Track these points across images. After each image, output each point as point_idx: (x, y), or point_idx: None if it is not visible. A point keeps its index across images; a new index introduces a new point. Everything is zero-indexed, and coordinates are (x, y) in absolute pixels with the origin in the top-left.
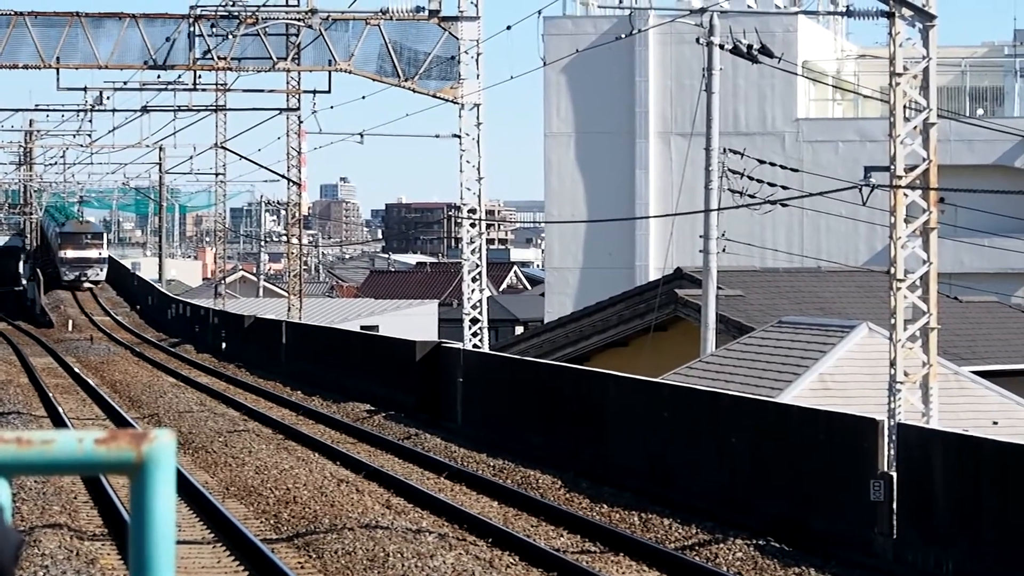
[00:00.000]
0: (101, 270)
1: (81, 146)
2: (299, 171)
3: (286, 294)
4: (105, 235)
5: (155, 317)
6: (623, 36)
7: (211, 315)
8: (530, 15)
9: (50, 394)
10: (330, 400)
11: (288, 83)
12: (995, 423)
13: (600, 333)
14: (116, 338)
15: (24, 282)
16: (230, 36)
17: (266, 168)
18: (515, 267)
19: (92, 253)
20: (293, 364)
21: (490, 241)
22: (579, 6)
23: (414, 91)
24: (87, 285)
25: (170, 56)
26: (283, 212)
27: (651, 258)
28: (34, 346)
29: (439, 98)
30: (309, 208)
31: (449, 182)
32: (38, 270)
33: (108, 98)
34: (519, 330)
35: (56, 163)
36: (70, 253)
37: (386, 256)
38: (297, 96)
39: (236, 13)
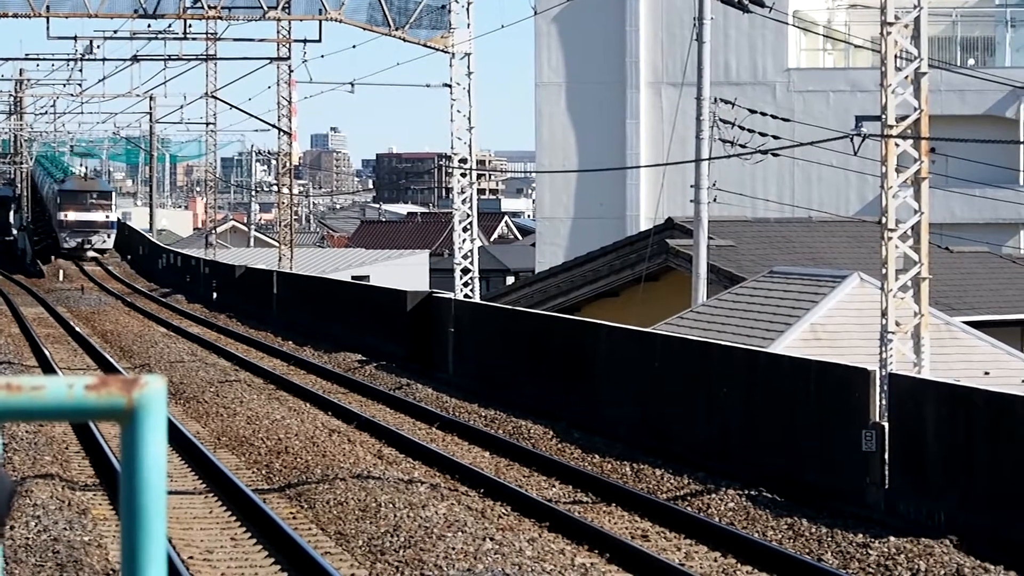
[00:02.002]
0: (108, 236)
1: (71, 95)
2: (290, 121)
3: (277, 244)
4: (114, 194)
5: (146, 267)
6: None
7: (202, 265)
8: None
9: (41, 344)
10: (321, 350)
11: (279, 32)
12: (986, 373)
13: (591, 283)
14: (107, 288)
15: (15, 232)
16: None
17: (257, 118)
18: (506, 217)
19: (98, 216)
20: (284, 314)
21: (481, 191)
22: None
23: (405, 40)
24: (91, 254)
25: (160, 5)
26: (274, 162)
27: (642, 208)
28: (25, 296)
29: (430, 47)
30: (300, 158)
31: (440, 132)
32: (27, 225)
33: (98, 47)
34: (510, 280)
35: (46, 112)
36: (72, 215)
37: (377, 206)
38: (288, 45)
39: None
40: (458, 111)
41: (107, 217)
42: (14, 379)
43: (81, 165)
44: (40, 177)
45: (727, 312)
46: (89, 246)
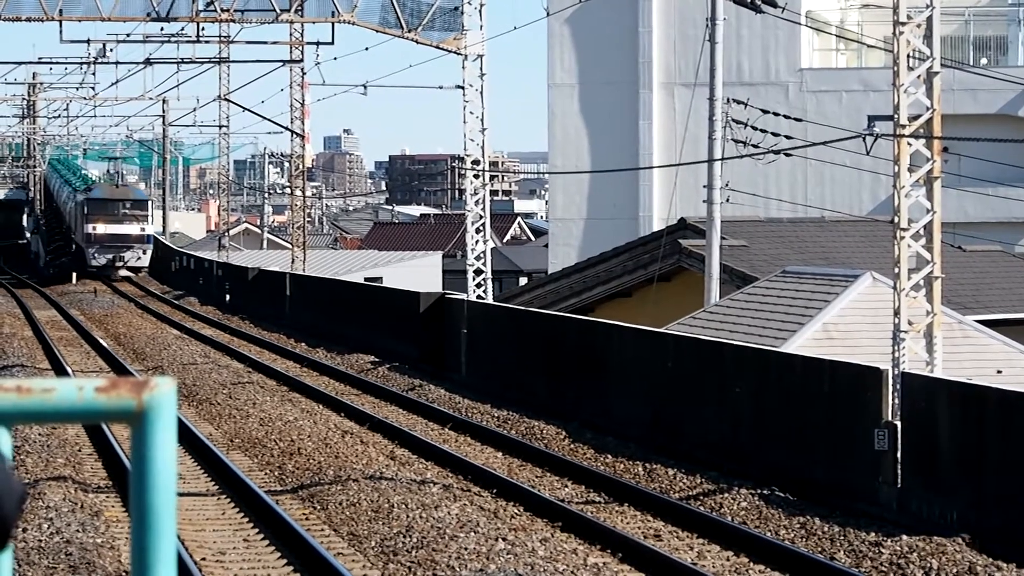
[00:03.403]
0: (144, 252)
1: (84, 99)
2: (302, 123)
3: (290, 246)
4: (150, 203)
5: (159, 269)
6: None
7: (215, 267)
8: None
9: (54, 347)
10: (334, 352)
11: (291, 35)
12: (999, 372)
13: (604, 284)
14: (120, 291)
15: (28, 235)
16: None
17: (269, 120)
18: (519, 218)
19: (132, 228)
20: (297, 316)
21: (494, 192)
22: None
23: (417, 42)
24: (124, 273)
25: (173, 8)
26: (287, 164)
27: (655, 208)
28: (37, 299)
29: (442, 49)
30: (313, 160)
31: (453, 133)
32: (40, 228)
33: (111, 51)
34: (523, 281)
35: (59, 116)
36: (101, 228)
37: (390, 208)
38: (300, 48)
39: None
40: (471, 113)
41: (142, 230)
42: (25, 381)
43: (109, 171)
44: (56, 184)
45: (740, 312)
46: (121, 263)
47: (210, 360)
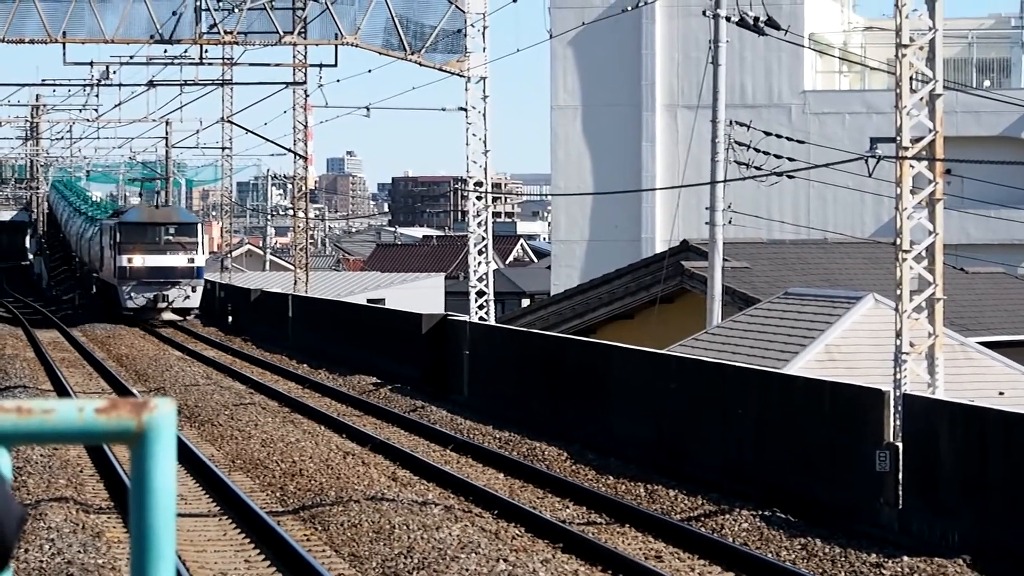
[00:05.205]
0: (193, 289)
1: (87, 121)
2: (305, 145)
3: (292, 268)
4: (200, 227)
5: None
6: (629, 8)
7: (217, 289)
8: None
9: (56, 368)
10: (336, 373)
11: (294, 57)
12: (1001, 393)
13: (606, 305)
14: None
15: (31, 256)
16: (236, 10)
17: (272, 142)
18: (521, 240)
19: (178, 259)
20: (299, 337)
21: (496, 214)
22: None
23: (420, 64)
24: (168, 316)
25: (176, 30)
26: (289, 186)
27: (657, 230)
28: (40, 319)
29: (445, 71)
30: (316, 182)
31: (455, 155)
32: (43, 250)
33: (114, 72)
34: (525, 303)
35: (63, 138)
36: (138, 260)
37: (392, 229)
38: (303, 70)
39: None
40: (473, 134)
41: (191, 261)
42: (25, 402)
43: (155, 193)
44: (64, 212)
45: (742, 333)
46: (164, 304)
47: (212, 381)
